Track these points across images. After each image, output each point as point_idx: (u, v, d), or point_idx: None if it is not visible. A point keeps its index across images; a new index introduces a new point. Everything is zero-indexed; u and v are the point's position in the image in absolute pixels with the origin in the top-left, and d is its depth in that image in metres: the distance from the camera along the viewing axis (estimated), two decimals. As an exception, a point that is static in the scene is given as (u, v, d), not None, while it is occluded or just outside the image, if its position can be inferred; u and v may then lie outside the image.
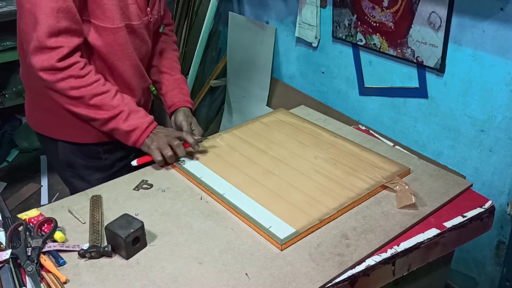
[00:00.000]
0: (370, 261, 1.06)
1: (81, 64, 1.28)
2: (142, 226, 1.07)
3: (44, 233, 1.09)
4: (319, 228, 1.14)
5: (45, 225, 1.11)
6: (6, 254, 1.02)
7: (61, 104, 1.32)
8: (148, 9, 1.41)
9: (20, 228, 1.09)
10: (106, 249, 1.05)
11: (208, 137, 1.52)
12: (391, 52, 1.90)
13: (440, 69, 1.75)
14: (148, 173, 1.36)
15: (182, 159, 1.40)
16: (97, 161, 1.50)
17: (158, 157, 1.36)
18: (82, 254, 1.05)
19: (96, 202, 1.23)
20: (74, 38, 1.26)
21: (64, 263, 1.04)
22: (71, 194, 1.55)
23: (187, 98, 1.58)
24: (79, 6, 1.26)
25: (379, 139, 1.55)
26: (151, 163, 1.40)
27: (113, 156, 1.51)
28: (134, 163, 1.38)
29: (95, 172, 1.50)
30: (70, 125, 1.41)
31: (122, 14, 1.32)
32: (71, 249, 1.07)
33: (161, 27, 1.60)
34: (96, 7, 1.28)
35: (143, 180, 1.33)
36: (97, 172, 1.50)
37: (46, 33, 1.20)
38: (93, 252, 1.04)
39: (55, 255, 1.05)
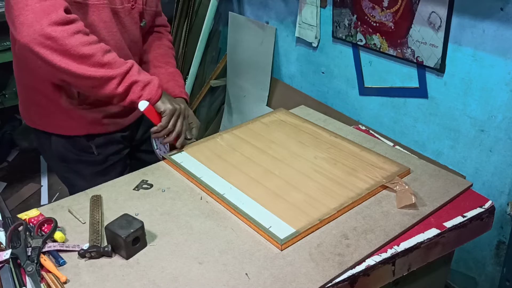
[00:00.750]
0: (370, 261, 1.06)
1: (81, 22, 1.20)
2: (142, 226, 1.07)
3: (44, 233, 1.09)
4: (319, 228, 1.14)
5: (45, 225, 1.11)
6: (6, 254, 1.02)
7: (66, 78, 1.24)
8: None
9: (20, 228, 1.09)
10: (106, 249, 1.05)
11: (197, 140, 1.51)
12: (391, 52, 1.90)
13: (440, 69, 1.75)
14: (148, 173, 1.36)
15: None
16: (89, 156, 1.49)
17: (167, 123, 1.35)
18: (82, 254, 1.05)
19: (96, 202, 1.23)
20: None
21: (64, 263, 1.04)
22: (68, 189, 1.56)
23: (182, 89, 1.58)
24: None
25: (379, 139, 1.55)
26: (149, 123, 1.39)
27: (106, 150, 1.51)
28: (144, 104, 1.30)
29: (88, 166, 1.50)
30: (59, 117, 1.41)
31: None
32: (71, 249, 1.07)
33: (143, 22, 1.51)
34: None
35: (143, 180, 1.33)
36: (91, 167, 1.50)
37: (17, 10, 1.12)
38: (93, 252, 1.04)
39: (55, 255, 1.05)
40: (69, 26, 1.16)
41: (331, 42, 2.20)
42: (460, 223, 1.17)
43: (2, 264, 1.02)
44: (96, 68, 1.21)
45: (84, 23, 1.25)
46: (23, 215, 1.15)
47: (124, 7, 1.38)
